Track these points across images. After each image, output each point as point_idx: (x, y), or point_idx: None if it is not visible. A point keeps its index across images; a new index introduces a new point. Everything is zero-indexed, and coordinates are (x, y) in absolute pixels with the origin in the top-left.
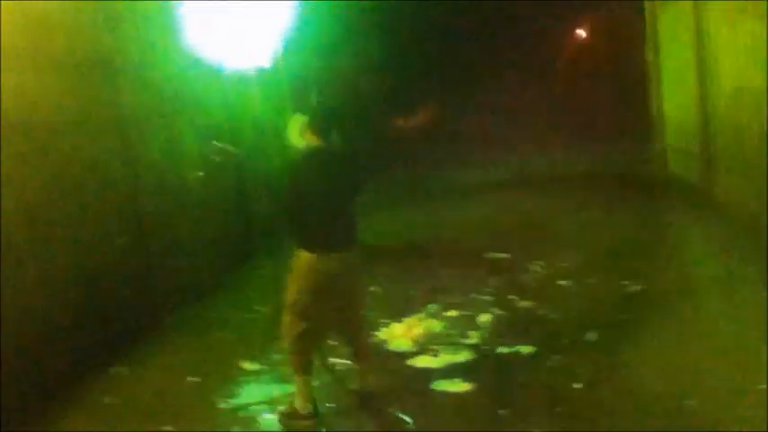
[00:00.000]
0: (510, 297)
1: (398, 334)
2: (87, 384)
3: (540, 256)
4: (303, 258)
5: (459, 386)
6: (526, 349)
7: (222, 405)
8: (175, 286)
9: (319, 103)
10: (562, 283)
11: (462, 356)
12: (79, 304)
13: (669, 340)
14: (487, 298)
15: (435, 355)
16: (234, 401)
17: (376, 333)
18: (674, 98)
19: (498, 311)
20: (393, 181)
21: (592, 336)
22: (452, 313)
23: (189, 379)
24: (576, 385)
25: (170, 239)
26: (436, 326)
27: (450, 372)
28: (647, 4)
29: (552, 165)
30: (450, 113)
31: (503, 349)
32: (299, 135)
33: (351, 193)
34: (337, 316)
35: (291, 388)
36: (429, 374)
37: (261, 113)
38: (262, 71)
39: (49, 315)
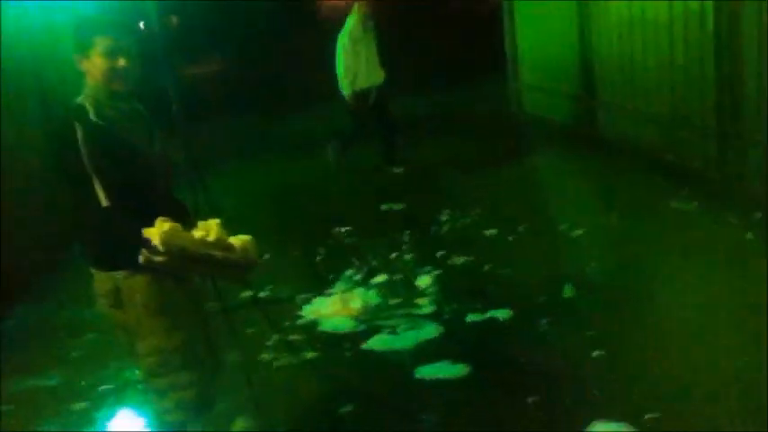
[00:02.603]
0: (439, 253)
1: (331, 310)
2: None
3: (438, 205)
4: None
5: (452, 371)
6: (502, 314)
7: None
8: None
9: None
10: (490, 232)
11: (429, 331)
12: None
13: (657, 289)
14: (410, 257)
15: (394, 333)
16: None
17: (301, 313)
18: (534, 34)
19: (435, 271)
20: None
21: (568, 291)
22: (380, 278)
23: None
24: (595, 353)
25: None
26: (371, 296)
27: (425, 353)
28: None
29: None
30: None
31: (473, 317)
32: None
33: None
34: None
35: None
36: (401, 359)
37: None
38: None
39: None
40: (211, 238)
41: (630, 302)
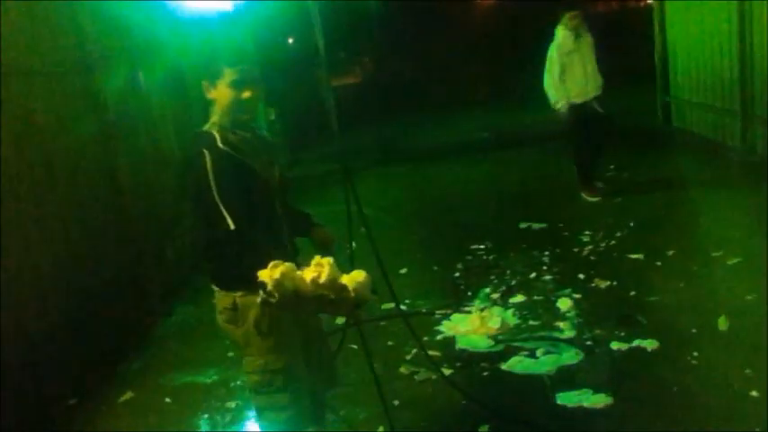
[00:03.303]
0: (580, 276)
1: (469, 328)
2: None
3: (580, 225)
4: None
5: (595, 399)
6: (649, 344)
7: None
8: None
9: None
10: (636, 256)
11: (570, 356)
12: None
13: None
14: (550, 277)
15: (534, 356)
16: None
17: (439, 328)
18: (687, 44)
19: (576, 294)
20: (364, 146)
21: (723, 323)
22: (519, 299)
23: None
24: (753, 392)
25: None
26: (509, 316)
27: (566, 378)
28: None
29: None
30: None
31: (617, 345)
32: None
33: None
34: None
35: None
36: (541, 383)
37: None
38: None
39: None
40: (323, 279)
41: None
